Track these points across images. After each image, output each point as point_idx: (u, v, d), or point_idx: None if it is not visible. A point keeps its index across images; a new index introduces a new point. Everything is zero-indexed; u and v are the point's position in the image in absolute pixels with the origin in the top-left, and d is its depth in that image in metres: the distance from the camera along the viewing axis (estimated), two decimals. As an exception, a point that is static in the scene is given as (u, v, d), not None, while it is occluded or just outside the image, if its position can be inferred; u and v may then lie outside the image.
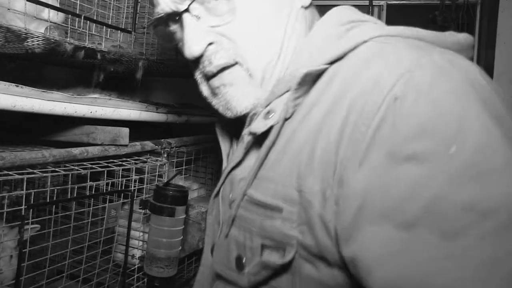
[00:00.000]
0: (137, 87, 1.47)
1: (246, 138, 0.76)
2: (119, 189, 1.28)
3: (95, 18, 1.26)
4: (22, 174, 0.97)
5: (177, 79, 2.54)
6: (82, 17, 1.18)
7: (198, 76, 0.84)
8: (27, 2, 1.01)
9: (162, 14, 0.80)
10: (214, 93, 0.82)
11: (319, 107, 0.66)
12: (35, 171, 1.02)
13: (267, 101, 0.75)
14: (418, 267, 0.50)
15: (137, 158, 1.34)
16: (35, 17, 1.04)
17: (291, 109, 0.70)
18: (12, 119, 1.47)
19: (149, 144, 1.38)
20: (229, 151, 0.96)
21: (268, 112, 0.72)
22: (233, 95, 0.79)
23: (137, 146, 1.33)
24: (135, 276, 1.35)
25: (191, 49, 0.76)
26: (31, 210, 1.02)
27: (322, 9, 0.83)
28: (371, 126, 0.56)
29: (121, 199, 1.30)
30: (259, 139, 0.73)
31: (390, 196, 0.53)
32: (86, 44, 1.18)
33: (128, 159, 1.31)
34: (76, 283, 1.24)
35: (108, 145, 1.23)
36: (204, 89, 0.85)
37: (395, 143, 0.54)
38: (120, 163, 1.26)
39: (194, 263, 1.67)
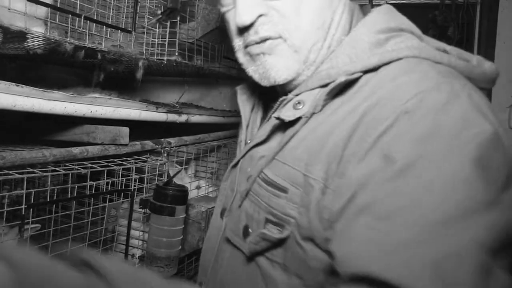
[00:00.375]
0: (137, 87, 1.48)
1: (273, 120, 0.80)
2: (119, 188, 1.28)
3: (95, 18, 1.26)
4: (22, 173, 0.98)
5: (177, 79, 2.54)
6: (82, 17, 1.18)
7: (238, 43, 0.85)
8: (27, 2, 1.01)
9: None
10: (252, 59, 0.84)
11: (343, 109, 0.71)
12: (35, 170, 1.02)
13: (299, 90, 0.79)
14: (380, 251, 0.56)
15: (137, 157, 1.35)
16: (35, 17, 1.04)
17: (320, 107, 0.75)
18: (12, 118, 1.48)
19: (149, 144, 1.38)
20: (249, 121, 0.98)
21: (299, 103, 0.76)
22: (274, 64, 0.81)
23: (137, 145, 1.33)
24: (135, 275, 1.35)
25: (242, 18, 0.77)
26: (31, 209, 1.03)
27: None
28: (379, 130, 0.62)
29: (121, 198, 1.30)
30: (285, 125, 0.78)
31: (375, 193, 0.59)
32: (86, 43, 1.18)
33: (128, 159, 1.31)
34: (76, 283, 1.24)
35: (108, 144, 1.24)
36: (241, 56, 0.86)
37: (392, 149, 0.60)
38: (120, 162, 1.26)
39: (194, 263, 1.67)
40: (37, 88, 1.01)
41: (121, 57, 1.34)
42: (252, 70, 0.85)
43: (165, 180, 1.29)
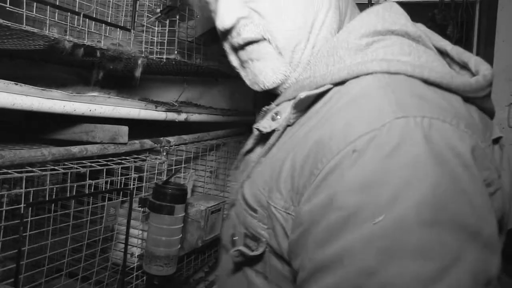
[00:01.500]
0: (136, 85, 1.47)
1: (255, 131, 0.82)
2: (118, 187, 1.28)
3: (94, 16, 1.26)
4: (21, 172, 0.97)
5: (177, 77, 2.54)
6: (81, 15, 1.18)
7: (226, 47, 0.86)
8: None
9: None
10: (242, 66, 0.85)
11: (307, 126, 0.70)
12: (34, 169, 1.02)
13: (279, 100, 0.80)
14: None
15: (136, 156, 1.34)
16: (35, 15, 1.04)
17: (292, 120, 0.74)
18: (11, 117, 1.47)
19: (148, 142, 1.37)
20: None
21: (276, 114, 0.77)
22: (261, 69, 0.81)
23: (136, 144, 1.32)
24: (134, 274, 1.35)
25: (223, 21, 0.78)
26: (30, 208, 1.02)
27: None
28: (326, 168, 0.60)
29: (120, 197, 1.30)
30: (265, 136, 0.79)
31: (318, 234, 0.58)
32: (85, 42, 1.18)
33: (127, 157, 1.31)
34: (75, 281, 1.24)
35: (107, 143, 1.23)
36: (233, 59, 0.87)
37: (336, 191, 0.57)
38: (119, 161, 1.26)
39: (193, 261, 1.67)
40: (36, 87, 1.00)
41: (120, 55, 1.33)
42: (244, 77, 0.87)
43: (164, 179, 1.29)
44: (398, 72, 0.65)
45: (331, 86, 0.70)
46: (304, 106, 0.72)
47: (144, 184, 1.34)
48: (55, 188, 1.08)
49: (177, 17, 1.50)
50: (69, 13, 1.15)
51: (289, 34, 0.77)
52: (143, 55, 1.40)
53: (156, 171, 1.36)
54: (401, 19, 0.76)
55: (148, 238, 1.23)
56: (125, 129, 1.25)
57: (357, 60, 0.69)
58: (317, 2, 0.77)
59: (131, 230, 1.30)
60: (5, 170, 0.96)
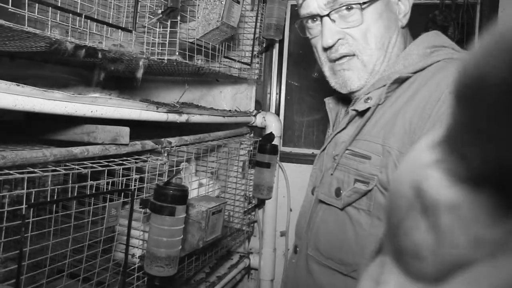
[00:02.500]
0: (137, 86, 1.47)
1: (351, 112, 1.17)
2: (120, 188, 1.28)
3: (95, 17, 1.26)
4: (23, 173, 0.97)
5: (178, 78, 2.54)
6: (83, 16, 1.18)
7: (324, 59, 1.24)
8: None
9: (309, 15, 1.20)
10: (334, 74, 1.23)
11: (401, 99, 1.05)
12: (35, 170, 1.02)
13: (368, 90, 1.15)
14: None
15: (137, 157, 1.34)
16: (36, 16, 1.04)
17: (383, 99, 1.09)
18: (13, 117, 1.47)
19: (149, 143, 1.38)
20: (335, 121, 1.38)
21: (368, 98, 1.11)
22: (349, 77, 1.20)
23: (138, 145, 1.33)
24: (135, 275, 1.35)
25: (327, 41, 1.17)
26: (31, 209, 1.03)
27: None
28: (435, 108, 0.93)
29: (122, 198, 1.30)
30: (359, 115, 1.16)
31: None
32: (87, 43, 1.18)
33: (129, 158, 1.31)
34: (76, 282, 1.24)
35: (109, 144, 1.24)
36: (326, 70, 1.25)
37: (445, 113, 0.87)
38: (121, 162, 1.26)
39: (194, 262, 1.67)
40: (38, 88, 1.00)
41: (122, 56, 1.34)
42: (334, 82, 1.25)
43: (165, 180, 1.29)
44: (458, 58, 1.00)
45: (411, 74, 1.07)
46: (395, 86, 1.08)
47: (145, 185, 1.34)
48: (56, 189, 1.08)
49: (179, 18, 1.50)
50: (70, 14, 1.15)
51: (373, 52, 1.15)
52: (144, 56, 1.40)
53: (157, 172, 1.37)
54: (448, 40, 1.15)
55: (149, 239, 1.23)
56: (126, 130, 1.25)
57: (426, 60, 1.07)
58: (391, 30, 1.16)
59: (132, 231, 1.30)
60: (7, 171, 0.96)
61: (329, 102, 1.40)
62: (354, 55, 1.16)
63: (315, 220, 1.19)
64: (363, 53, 1.15)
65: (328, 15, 1.16)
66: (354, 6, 1.13)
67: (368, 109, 1.10)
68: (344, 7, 1.14)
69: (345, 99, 1.30)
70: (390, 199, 0.43)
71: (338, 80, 1.22)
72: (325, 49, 1.20)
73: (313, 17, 1.20)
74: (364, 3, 1.13)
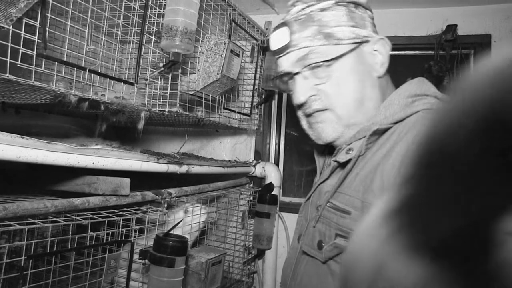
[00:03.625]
0: (139, 137, 1.49)
1: (332, 163, 1.17)
2: (119, 239, 1.28)
3: (99, 71, 1.30)
4: (23, 224, 0.98)
5: (178, 129, 2.57)
6: (87, 70, 1.22)
7: (300, 114, 1.26)
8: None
9: (283, 72, 1.22)
10: (310, 127, 1.24)
11: (381, 151, 1.03)
12: (36, 221, 1.02)
13: (349, 141, 1.15)
14: None
15: (137, 208, 1.35)
16: (43, 71, 1.07)
17: (364, 150, 1.07)
18: (15, 168, 1.49)
19: (149, 194, 1.38)
20: (322, 169, 1.39)
21: (349, 149, 1.11)
22: (323, 129, 1.20)
23: (138, 196, 1.33)
24: (133, 328, 1.33)
25: (299, 99, 1.19)
26: (30, 260, 1.02)
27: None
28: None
29: (121, 249, 1.29)
30: (340, 166, 1.15)
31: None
32: (90, 95, 1.21)
33: (129, 209, 1.31)
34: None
35: (109, 195, 1.24)
36: (304, 123, 1.27)
37: None
38: (121, 213, 1.26)
39: (193, 315, 1.64)
40: (42, 140, 1.02)
41: (124, 108, 1.36)
42: (311, 134, 1.25)
43: (165, 231, 1.29)
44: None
45: (392, 125, 1.06)
46: (375, 137, 1.07)
47: (145, 236, 1.34)
48: (56, 240, 1.08)
49: (179, 71, 1.54)
50: (75, 68, 1.19)
51: (345, 106, 1.15)
52: (146, 108, 1.43)
53: (157, 223, 1.37)
54: (431, 88, 1.12)
55: (148, 291, 1.22)
56: (127, 181, 1.26)
57: (406, 111, 1.06)
58: (365, 82, 1.15)
59: (131, 283, 1.29)
60: (8, 222, 0.96)
61: (316, 151, 1.42)
62: (327, 109, 1.17)
63: (299, 270, 1.19)
64: (336, 108, 1.15)
65: (299, 72, 1.17)
66: (322, 63, 1.14)
67: (349, 161, 1.09)
68: (314, 64, 1.15)
69: (332, 147, 1.28)
70: (347, 275, 0.43)
71: (314, 132, 1.23)
72: (299, 106, 1.22)
73: (286, 74, 1.22)
74: (332, 59, 1.13)
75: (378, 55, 1.17)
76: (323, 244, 1.08)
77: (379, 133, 1.06)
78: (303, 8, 1.16)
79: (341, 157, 1.11)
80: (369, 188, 1.00)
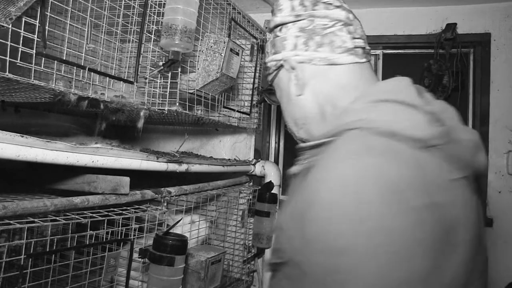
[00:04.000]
0: (138, 136, 1.49)
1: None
2: (119, 237, 1.28)
3: (98, 69, 1.29)
4: (22, 223, 0.98)
5: (178, 127, 2.57)
6: (87, 69, 1.22)
7: None
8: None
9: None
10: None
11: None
12: (35, 220, 1.02)
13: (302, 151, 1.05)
14: None
15: (137, 206, 1.35)
16: (43, 70, 1.07)
17: (304, 165, 0.96)
18: (14, 166, 1.49)
19: (149, 193, 1.38)
20: None
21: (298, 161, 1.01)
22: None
23: (137, 195, 1.33)
24: (133, 327, 1.33)
25: None
26: (30, 259, 1.02)
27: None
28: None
29: (121, 247, 1.29)
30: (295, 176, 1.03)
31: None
32: (90, 94, 1.21)
33: (128, 208, 1.31)
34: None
35: (109, 194, 1.24)
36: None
37: None
38: (120, 211, 1.26)
39: (193, 313, 1.64)
40: (41, 138, 1.02)
41: (123, 107, 1.36)
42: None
43: (165, 230, 1.29)
44: (370, 128, 0.82)
45: (332, 138, 0.89)
46: (312, 153, 0.95)
47: (144, 235, 1.34)
48: (55, 238, 1.08)
49: (179, 69, 1.54)
50: (75, 67, 1.19)
51: (288, 124, 1.12)
52: (145, 107, 1.42)
53: (156, 222, 1.36)
54: (403, 91, 0.91)
55: (148, 289, 1.22)
56: (126, 180, 1.26)
57: (355, 118, 0.88)
58: (290, 103, 1.09)
59: (131, 282, 1.29)
60: (7, 221, 0.96)
61: None
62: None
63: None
64: (287, 123, 1.21)
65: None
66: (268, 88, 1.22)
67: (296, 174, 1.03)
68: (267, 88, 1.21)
69: None
70: None
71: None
72: None
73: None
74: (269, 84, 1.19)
75: (292, 75, 1.06)
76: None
77: (316, 147, 0.96)
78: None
79: (293, 168, 1.04)
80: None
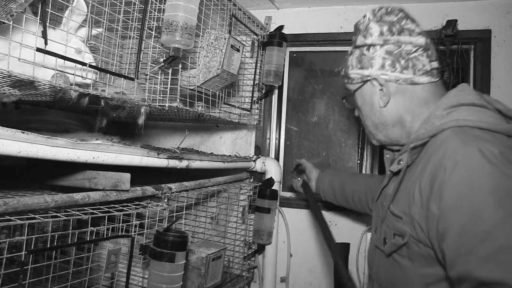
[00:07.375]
0: (139, 133, 1.49)
1: (387, 173, 1.35)
2: (120, 234, 1.28)
3: (99, 66, 1.29)
4: (23, 219, 0.98)
5: (179, 124, 2.57)
6: (88, 65, 1.22)
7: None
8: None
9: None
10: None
11: (420, 165, 1.17)
12: (36, 216, 1.02)
13: (401, 152, 1.28)
14: None
15: (138, 203, 1.35)
16: (42, 66, 1.07)
17: (410, 162, 1.23)
18: (15, 163, 1.49)
19: (150, 189, 1.38)
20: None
21: (400, 160, 1.26)
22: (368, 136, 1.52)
23: (138, 191, 1.33)
24: (134, 322, 1.33)
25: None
26: (31, 255, 1.02)
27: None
28: (438, 181, 1.05)
29: (121, 244, 1.30)
30: (395, 174, 1.30)
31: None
32: (91, 91, 1.21)
33: (129, 204, 1.32)
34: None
35: (110, 190, 1.24)
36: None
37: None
38: (121, 208, 1.26)
39: (193, 309, 1.65)
40: (42, 135, 1.02)
41: (124, 103, 1.36)
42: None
43: (165, 226, 1.29)
44: (464, 125, 1.11)
45: (429, 138, 1.18)
46: (415, 152, 1.22)
47: (145, 231, 1.34)
48: (56, 234, 1.08)
49: (180, 66, 1.53)
50: (75, 63, 1.19)
51: (367, 128, 1.44)
52: (146, 103, 1.42)
53: (157, 218, 1.37)
54: (468, 96, 1.20)
55: (149, 285, 1.22)
56: (127, 176, 1.26)
57: (441, 122, 1.16)
58: (373, 112, 1.38)
59: (132, 278, 1.29)
60: (8, 217, 0.97)
61: (386, 153, 1.56)
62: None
63: (374, 259, 1.39)
64: (366, 127, 1.47)
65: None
66: (346, 96, 1.49)
67: (399, 171, 1.25)
68: (344, 95, 1.50)
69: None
70: None
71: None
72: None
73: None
74: (350, 93, 1.45)
75: (377, 89, 1.34)
76: (386, 240, 1.26)
77: (418, 147, 1.21)
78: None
79: (394, 167, 1.27)
80: (412, 200, 1.15)
